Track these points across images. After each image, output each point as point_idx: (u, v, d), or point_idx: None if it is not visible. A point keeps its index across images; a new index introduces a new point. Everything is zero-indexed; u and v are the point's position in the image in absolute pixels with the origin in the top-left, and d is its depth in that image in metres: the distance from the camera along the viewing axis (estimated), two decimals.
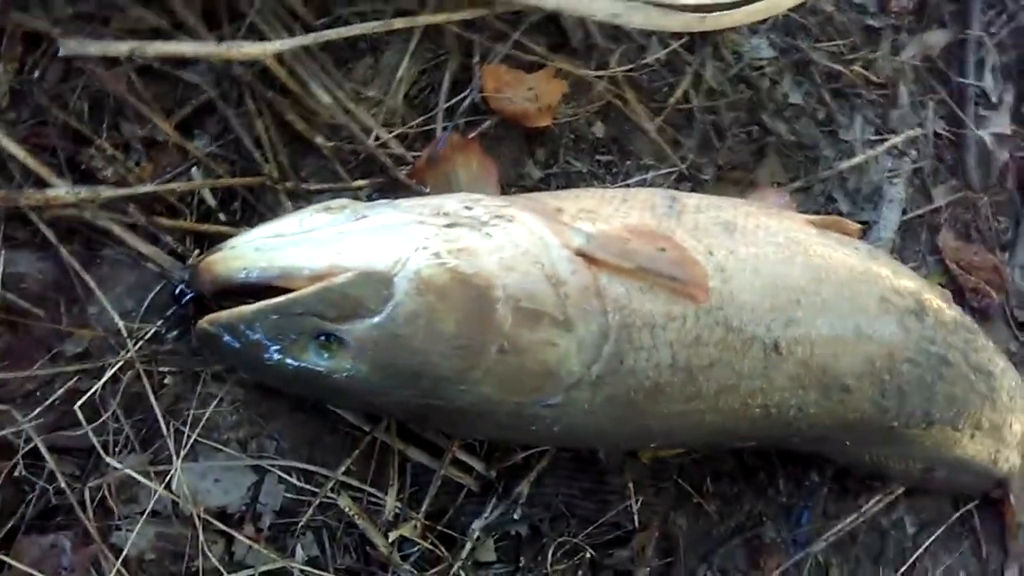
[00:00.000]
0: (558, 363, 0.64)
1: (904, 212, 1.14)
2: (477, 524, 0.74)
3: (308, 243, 0.59)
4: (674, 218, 0.77)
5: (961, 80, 1.21)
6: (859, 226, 0.93)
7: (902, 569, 1.05)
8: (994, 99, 1.25)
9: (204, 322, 0.58)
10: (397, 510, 0.70)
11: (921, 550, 1.07)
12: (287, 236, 0.60)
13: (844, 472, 1.02)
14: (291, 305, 0.56)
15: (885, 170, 1.12)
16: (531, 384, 0.64)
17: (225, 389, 0.65)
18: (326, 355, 0.58)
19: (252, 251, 0.58)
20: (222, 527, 0.64)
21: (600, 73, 0.82)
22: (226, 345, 0.58)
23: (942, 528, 1.09)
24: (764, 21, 1.02)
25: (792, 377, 0.77)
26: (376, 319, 0.58)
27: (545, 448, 0.79)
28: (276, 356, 0.58)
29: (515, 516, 0.76)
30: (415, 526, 0.70)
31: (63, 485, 0.60)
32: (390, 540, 0.68)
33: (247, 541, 0.65)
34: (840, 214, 1.07)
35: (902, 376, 0.85)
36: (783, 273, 0.78)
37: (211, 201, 0.66)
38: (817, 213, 1.05)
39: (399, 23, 0.69)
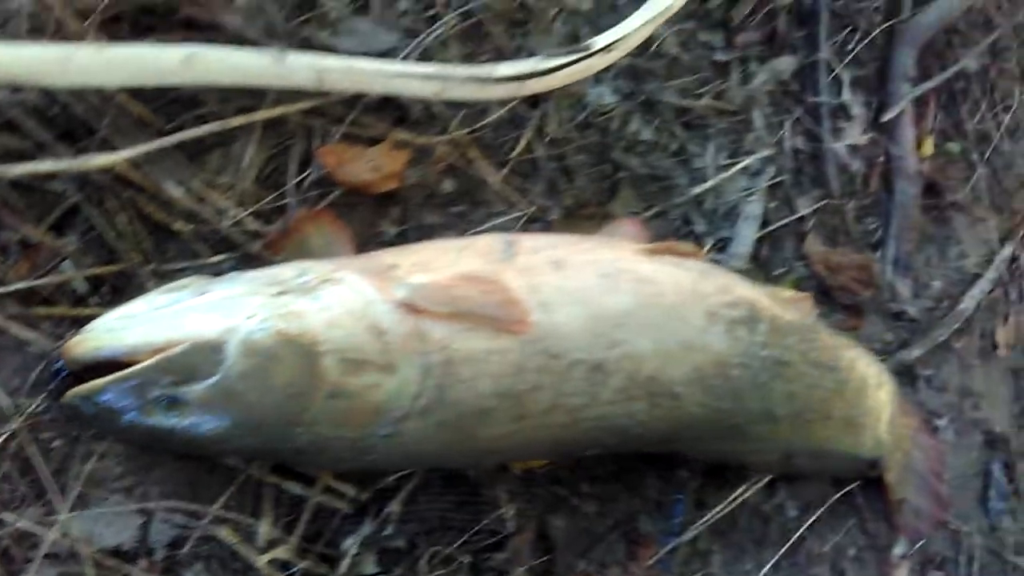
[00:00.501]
0: (385, 401, 0.74)
1: (766, 225, 1.23)
2: (349, 542, 0.84)
3: (152, 321, 0.69)
4: (507, 261, 0.87)
5: (814, 99, 1.30)
6: (695, 248, 1.03)
7: (782, 550, 1.13)
8: (852, 112, 1.34)
9: (67, 395, 0.69)
10: (274, 536, 0.80)
11: (803, 531, 1.15)
12: (136, 316, 0.70)
13: (716, 466, 1.10)
14: (133, 376, 0.66)
15: (741, 190, 1.21)
16: (362, 421, 0.74)
17: (106, 447, 0.76)
18: (171, 415, 0.68)
19: (105, 332, 0.69)
20: (118, 563, 0.74)
21: (439, 139, 0.93)
22: (85, 413, 0.68)
23: (822, 509, 1.17)
24: (607, 69, 1.12)
25: (618, 391, 0.86)
26: (211, 381, 0.68)
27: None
28: (129, 420, 0.68)
29: (388, 531, 0.86)
30: (291, 548, 0.80)
31: None
32: (266, 561, 0.78)
33: (142, 573, 0.75)
34: (697, 235, 1.16)
35: (734, 380, 0.94)
36: (607, 301, 0.87)
37: (82, 289, 0.77)
38: (675, 236, 1.16)
39: (237, 121, 0.79)
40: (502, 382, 0.79)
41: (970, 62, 1.50)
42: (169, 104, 0.80)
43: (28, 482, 0.73)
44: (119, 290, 0.78)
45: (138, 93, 0.77)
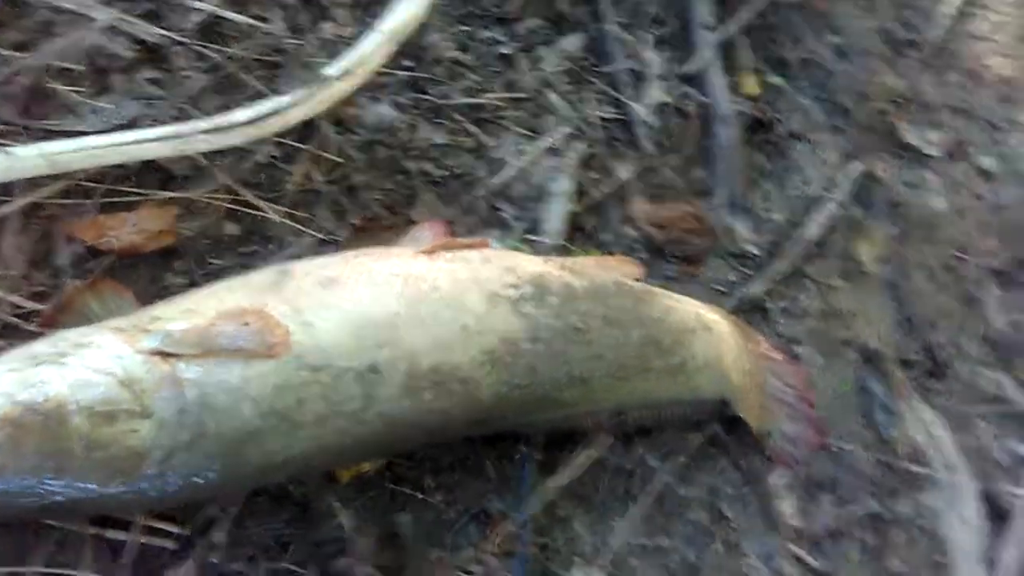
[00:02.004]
0: (144, 444, 0.79)
1: (586, 197, 1.26)
2: (171, 574, 0.89)
3: None
4: (274, 290, 0.92)
5: (611, 67, 1.33)
6: (477, 239, 1.07)
7: (646, 502, 1.14)
8: (653, 71, 1.36)
9: None
10: None
11: (669, 480, 1.16)
12: None
13: (560, 435, 1.13)
14: None
15: (550, 170, 1.24)
16: (125, 466, 0.79)
17: None
18: None
19: None
20: None
21: (201, 192, 0.98)
22: None
23: (685, 456, 1.18)
24: (385, 87, 1.17)
25: (399, 387, 0.90)
26: None
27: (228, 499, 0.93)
28: None
29: (215, 560, 0.91)
30: None
31: None
32: None
33: None
34: (507, 222, 1.19)
35: (527, 355, 0.97)
36: (375, 307, 0.91)
37: None
38: (485, 227, 1.19)
39: None
40: (264, 403, 0.83)
41: None
42: None
43: None
44: None
45: None
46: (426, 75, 1.19)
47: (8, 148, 0.84)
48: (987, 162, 1.68)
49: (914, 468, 1.30)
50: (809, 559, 1.19)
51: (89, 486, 0.78)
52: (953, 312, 1.49)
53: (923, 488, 1.28)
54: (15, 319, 0.89)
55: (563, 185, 1.22)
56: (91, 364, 0.80)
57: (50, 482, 0.77)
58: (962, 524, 1.18)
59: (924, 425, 1.29)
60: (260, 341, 0.85)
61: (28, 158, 0.84)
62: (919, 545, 1.25)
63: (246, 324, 0.87)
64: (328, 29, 1.11)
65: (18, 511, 0.80)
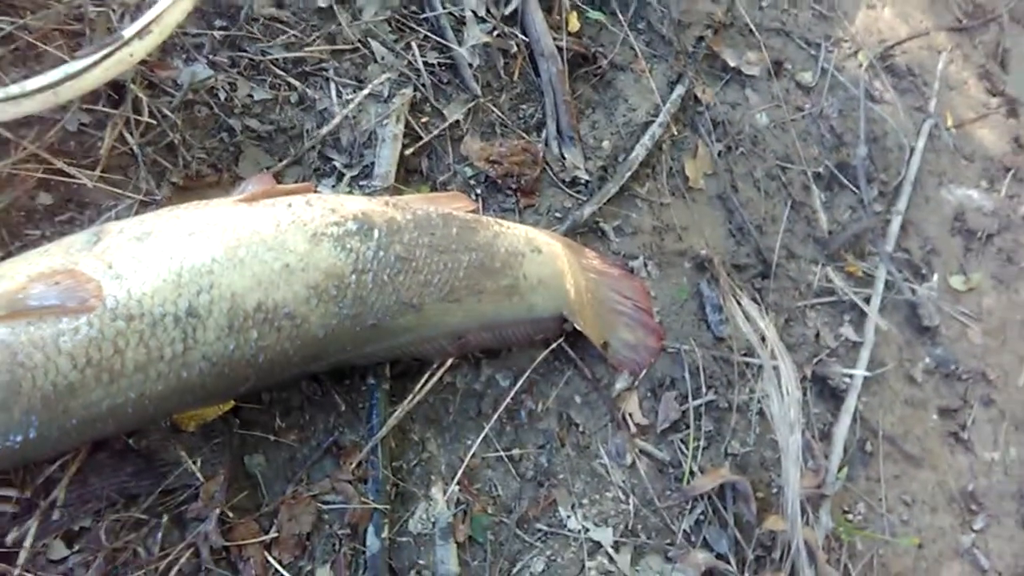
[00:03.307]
0: None
1: (418, 140, 1.26)
2: (12, 536, 0.88)
3: None
4: (87, 250, 0.90)
5: (432, 13, 1.33)
6: (302, 184, 1.06)
7: (496, 415, 1.17)
8: (473, 13, 1.36)
9: None
10: None
11: (517, 394, 1.19)
12: None
13: (408, 365, 1.14)
14: None
15: (375, 117, 1.24)
16: None
17: None
18: None
19: None
20: None
21: (6, 162, 0.95)
22: None
23: (530, 371, 1.21)
24: (200, 47, 1.14)
25: (222, 327, 0.90)
26: None
27: (69, 455, 0.92)
28: None
29: (56, 517, 0.90)
30: None
31: None
32: None
33: None
34: (337, 170, 1.19)
35: (354, 286, 0.98)
36: (192, 254, 0.91)
37: None
38: (317, 176, 1.19)
39: None
40: (79, 356, 0.82)
41: None
42: None
43: None
44: None
45: None
46: (242, 33, 1.17)
47: None
48: (806, 77, 1.75)
49: (746, 360, 1.36)
50: (656, 451, 1.25)
51: None
52: (780, 217, 1.55)
53: (754, 377, 1.35)
54: None
55: (392, 130, 1.22)
56: None
57: None
58: (785, 403, 1.24)
59: (750, 320, 1.35)
60: (71, 297, 0.83)
61: None
62: (754, 428, 1.32)
63: (56, 283, 0.85)
64: None
65: None
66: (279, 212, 0.99)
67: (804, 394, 1.35)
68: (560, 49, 1.39)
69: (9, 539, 0.87)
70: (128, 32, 0.96)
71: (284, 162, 1.15)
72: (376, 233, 1.02)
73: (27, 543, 0.88)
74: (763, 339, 1.33)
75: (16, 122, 0.95)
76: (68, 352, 0.82)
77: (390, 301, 1.02)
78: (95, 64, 0.95)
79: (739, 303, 1.36)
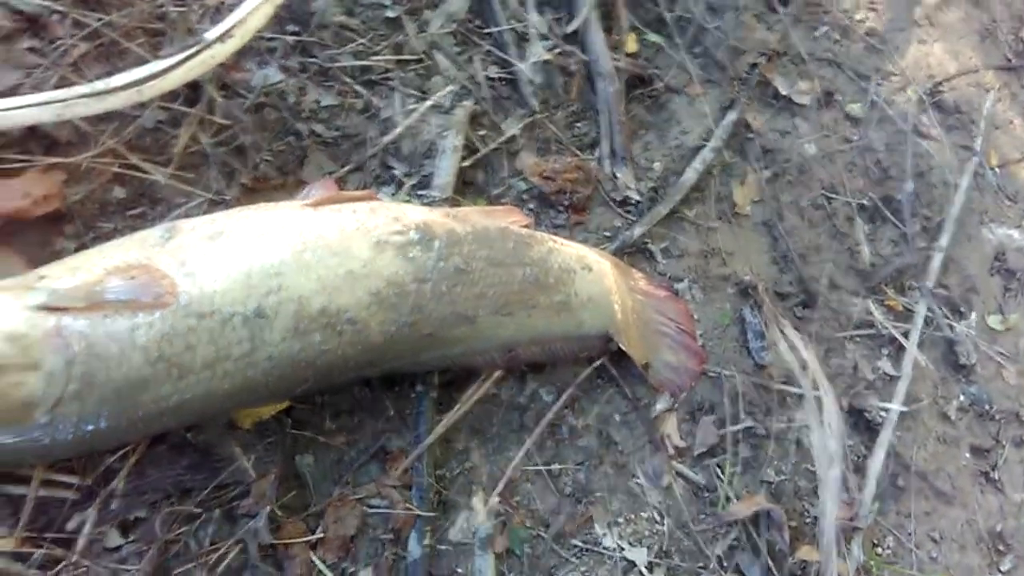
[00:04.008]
0: (33, 395, 0.79)
1: (475, 153, 1.27)
2: (73, 522, 0.89)
3: None
4: (160, 245, 0.91)
5: (496, 28, 1.34)
6: (365, 192, 1.08)
7: (538, 430, 1.18)
8: (536, 31, 1.38)
9: None
10: None
11: (560, 409, 1.20)
12: None
13: (456, 376, 1.15)
14: None
15: (438, 127, 1.25)
16: (15, 417, 0.79)
17: None
18: None
19: None
20: None
21: (87, 155, 0.97)
22: None
23: (574, 387, 1.22)
24: (273, 51, 1.16)
25: (287, 329, 0.91)
26: None
27: (130, 447, 0.94)
28: None
29: (114, 507, 0.92)
30: (13, 539, 0.85)
31: None
32: None
33: None
34: (397, 178, 1.21)
35: (414, 295, 0.99)
36: (261, 256, 0.92)
37: None
38: (376, 184, 1.20)
39: None
40: (152, 350, 0.84)
41: None
42: None
43: None
44: None
45: None
46: (313, 39, 1.19)
47: None
48: (855, 109, 1.75)
49: (785, 388, 1.36)
50: (692, 474, 1.25)
51: None
52: (824, 247, 1.55)
53: (793, 406, 1.35)
54: None
55: (452, 141, 1.23)
56: None
57: None
58: (826, 434, 1.24)
59: (793, 349, 1.35)
60: (146, 292, 0.85)
61: None
62: (791, 456, 1.32)
63: (132, 278, 0.86)
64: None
65: None
66: (344, 218, 1.00)
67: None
68: (618, 69, 1.40)
69: (70, 525, 0.89)
70: (211, 35, 0.98)
71: (347, 168, 1.16)
72: (436, 244, 1.03)
73: (85, 530, 0.90)
74: (805, 369, 1.33)
75: (97, 117, 0.97)
76: (142, 346, 0.84)
77: (446, 312, 1.03)
78: (178, 64, 0.97)
79: (783, 332, 1.36)
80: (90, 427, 0.83)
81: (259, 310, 0.90)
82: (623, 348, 1.22)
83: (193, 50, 0.96)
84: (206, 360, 0.87)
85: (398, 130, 1.21)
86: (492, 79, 1.32)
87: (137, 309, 0.84)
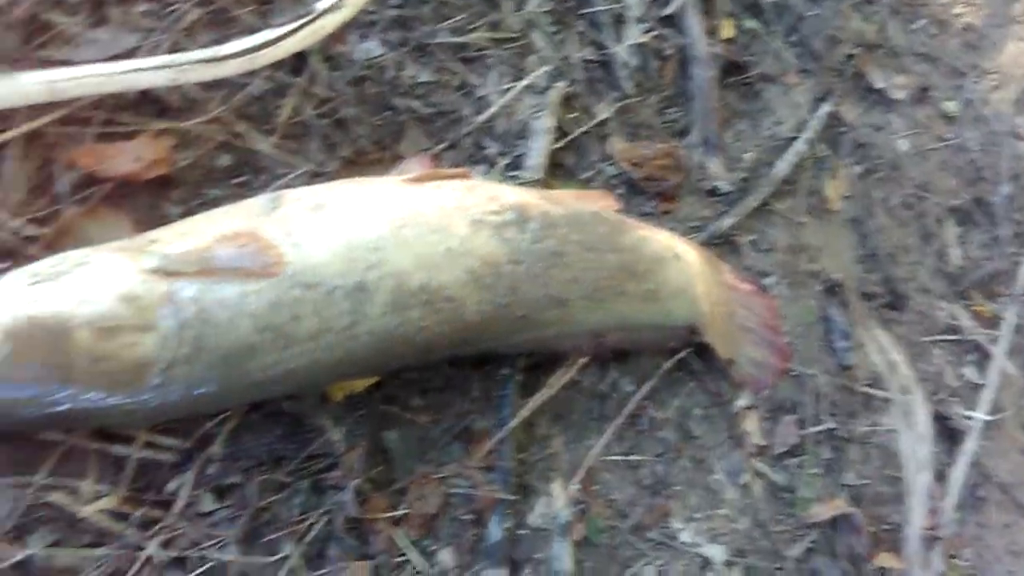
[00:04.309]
0: (146, 356, 0.80)
1: (566, 135, 1.26)
2: (172, 484, 0.91)
3: None
4: (266, 215, 0.92)
5: (592, 9, 1.32)
6: (460, 170, 1.07)
7: (619, 420, 1.17)
8: (631, 14, 1.35)
9: None
10: (99, 492, 0.88)
11: (641, 400, 1.19)
12: None
13: (540, 360, 1.15)
14: None
15: (531, 108, 1.24)
16: (130, 377, 0.80)
17: None
18: None
19: None
20: None
21: (196, 121, 0.98)
22: None
23: (656, 379, 1.21)
24: (374, 24, 1.16)
25: (387, 304, 0.91)
26: None
27: (227, 413, 0.95)
28: None
29: (211, 471, 0.93)
30: (116, 497, 0.87)
31: None
32: (97, 510, 0.86)
33: None
34: (490, 158, 1.20)
35: (509, 276, 0.99)
36: (362, 230, 0.92)
37: None
38: (469, 162, 1.20)
39: None
40: (260, 319, 0.85)
41: None
42: None
43: None
44: None
45: None
46: (413, 14, 1.18)
47: (11, 74, 0.83)
48: (950, 106, 1.69)
49: (871, 391, 1.34)
50: (771, 474, 1.23)
51: (94, 396, 0.79)
52: (913, 247, 1.51)
53: (879, 410, 1.32)
54: (16, 243, 0.90)
55: (545, 123, 1.22)
56: (93, 281, 0.80)
57: (56, 392, 0.78)
58: (915, 440, 1.21)
59: (881, 351, 1.32)
60: (256, 260, 0.86)
61: (30, 84, 0.84)
62: (873, 461, 1.30)
63: (241, 245, 0.87)
64: None
65: (26, 421, 0.81)
66: (443, 196, 1.00)
67: None
68: (713, 55, 1.37)
69: (170, 487, 0.91)
70: (321, 5, 0.99)
71: (442, 145, 1.16)
72: (531, 225, 1.02)
73: (183, 493, 0.92)
74: (893, 371, 1.30)
75: (206, 84, 0.98)
76: (250, 313, 0.85)
77: (539, 294, 1.03)
78: (290, 34, 0.97)
79: (871, 333, 1.33)
80: (198, 391, 0.84)
81: (360, 284, 0.90)
82: (708, 341, 1.20)
83: (305, 20, 0.97)
84: (310, 331, 0.88)
85: (493, 109, 1.20)
86: (586, 60, 1.30)
87: (246, 277, 0.85)
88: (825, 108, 1.47)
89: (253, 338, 0.85)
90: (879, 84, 1.59)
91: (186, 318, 0.82)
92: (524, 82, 1.22)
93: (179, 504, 0.91)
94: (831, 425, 1.29)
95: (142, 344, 0.80)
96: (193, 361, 0.82)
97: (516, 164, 1.20)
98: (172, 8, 1.00)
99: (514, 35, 1.25)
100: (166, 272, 0.83)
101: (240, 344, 0.84)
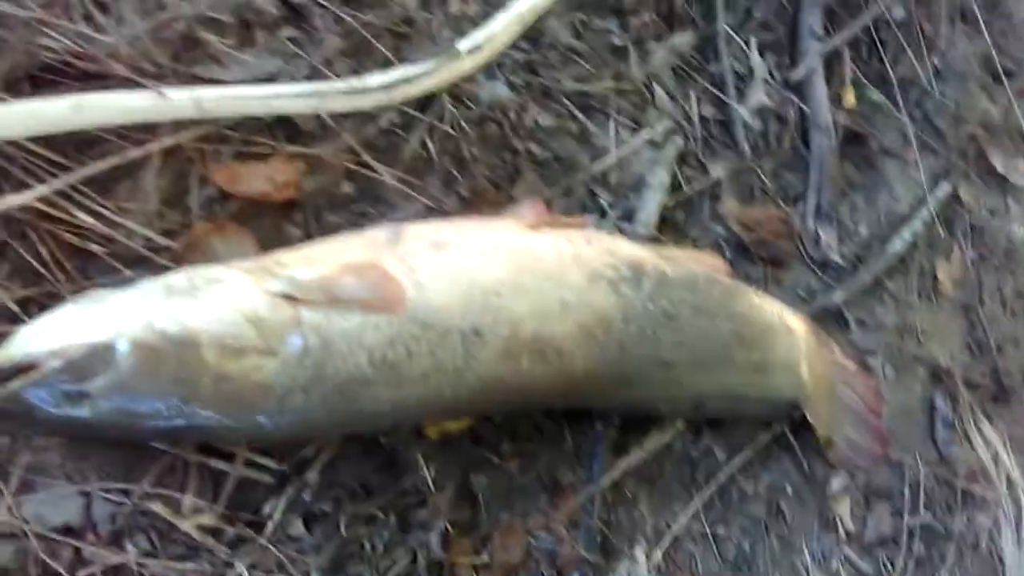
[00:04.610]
0: (268, 380, 0.81)
1: (679, 191, 1.25)
2: (268, 507, 0.92)
3: (57, 330, 0.78)
4: (390, 248, 0.93)
5: (718, 67, 1.32)
6: (580, 219, 1.07)
7: (710, 491, 1.15)
8: (757, 75, 1.34)
9: None
10: (199, 506, 0.89)
11: (732, 472, 1.17)
12: (46, 327, 0.79)
13: (636, 418, 1.13)
14: (38, 377, 0.75)
15: (647, 162, 1.24)
16: (250, 400, 0.81)
17: (47, 441, 0.87)
18: (78, 406, 0.77)
19: (18, 343, 0.77)
20: (66, 539, 0.85)
21: (328, 149, 1.00)
22: (10, 412, 0.77)
23: (750, 451, 1.18)
24: (501, 65, 1.17)
25: (499, 351, 0.91)
26: (106, 376, 0.76)
27: (327, 441, 0.96)
28: (45, 413, 0.77)
29: (306, 497, 0.94)
30: (214, 514, 0.88)
31: None
32: (195, 526, 0.87)
33: (88, 547, 0.85)
34: (603, 209, 1.19)
35: (620, 333, 0.98)
36: (482, 273, 0.92)
37: (16, 309, 0.88)
38: (581, 212, 1.19)
39: (135, 153, 0.89)
40: (377, 354, 0.85)
41: (894, 9, 1.49)
42: (77, 145, 0.90)
43: None
44: (46, 308, 0.88)
45: (46, 139, 0.87)
46: (541, 58, 1.19)
47: (162, 90, 0.86)
48: None
49: (971, 487, 1.29)
50: (861, 563, 1.19)
51: (210, 416, 0.80)
52: (1022, 340, 1.46)
53: (979, 506, 1.27)
54: (147, 252, 0.92)
55: (660, 177, 1.21)
56: (223, 301, 0.81)
57: (175, 408, 0.79)
58: (1020, 543, 1.16)
59: (986, 444, 1.27)
60: (378, 295, 0.87)
61: (180, 101, 0.86)
62: (970, 561, 1.24)
63: (365, 278, 0.88)
64: (455, 4, 1.12)
65: (142, 432, 0.82)
66: (562, 245, 0.99)
67: None
68: (835, 124, 1.36)
69: (266, 509, 0.91)
70: (463, 46, 1.00)
71: (556, 191, 1.16)
72: (647, 283, 1.01)
73: (276, 516, 0.92)
74: (998, 468, 1.25)
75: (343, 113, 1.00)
76: (368, 347, 0.85)
77: (648, 355, 1.01)
78: (430, 72, 0.99)
79: (978, 427, 1.28)
80: (310, 419, 0.84)
81: (476, 328, 0.90)
82: (808, 418, 1.17)
83: (445, 60, 0.98)
84: (423, 370, 0.88)
85: (609, 160, 1.20)
86: (705, 118, 1.30)
87: (369, 310, 0.86)
88: (944, 188, 1.43)
89: (368, 372, 0.85)
90: (1000, 168, 1.54)
91: (308, 346, 0.83)
92: (643, 135, 1.22)
93: (270, 526, 0.92)
94: (927, 519, 1.24)
95: (264, 368, 0.81)
96: (310, 389, 0.83)
97: (627, 216, 1.19)
98: (315, 35, 1.02)
99: (637, 87, 1.25)
100: (293, 297, 0.84)
101: (355, 377, 0.84)
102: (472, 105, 1.12)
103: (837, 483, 1.21)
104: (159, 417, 0.79)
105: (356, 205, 1.04)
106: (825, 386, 1.19)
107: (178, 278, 0.84)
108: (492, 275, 0.93)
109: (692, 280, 1.05)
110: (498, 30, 1.01)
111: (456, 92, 1.11)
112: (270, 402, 0.82)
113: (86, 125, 0.83)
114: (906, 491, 1.24)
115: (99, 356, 0.77)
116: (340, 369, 0.84)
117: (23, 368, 0.77)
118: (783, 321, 1.14)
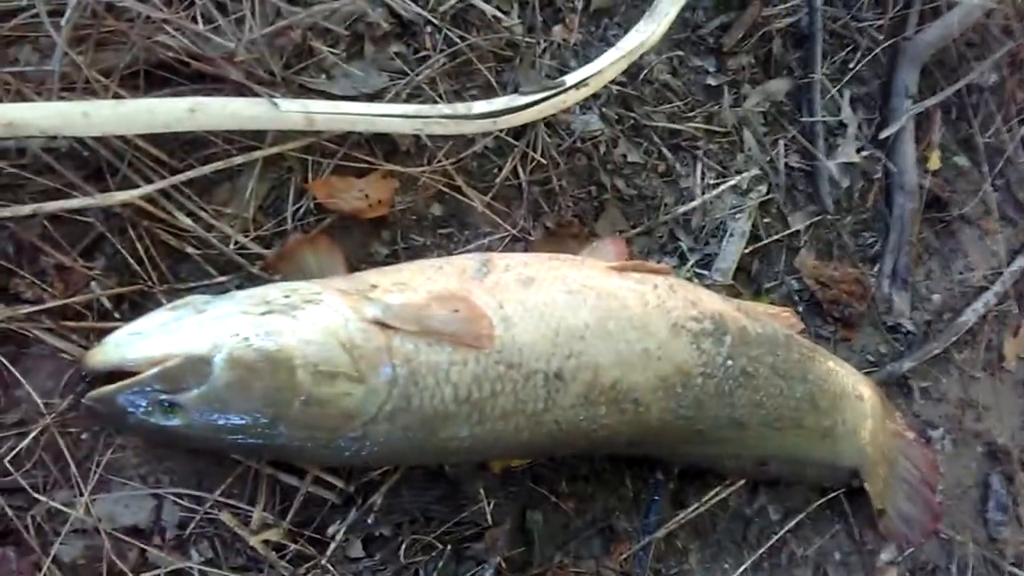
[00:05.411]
0: (355, 407, 0.83)
1: (758, 240, 1.26)
2: (334, 528, 0.94)
3: (154, 337, 0.80)
4: (479, 279, 0.95)
5: (809, 118, 1.33)
6: (665, 266, 1.08)
7: (761, 551, 1.16)
8: (849, 130, 1.35)
9: (85, 398, 0.80)
10: (267, 520, 0.91)
11: (784, 534, 1.18)
12: (141, 332, 0.81)
13: (695, 470, 1.15)
14: (135, 384, 0.77)
15: (729, 207, 1.25)
16: (335, 424, 0.83)
17: (125, 440, 0.88)
18: (169, 416, 0.79)
19: (114, 347, 0.79)
20: (134, 540, 0.87)
21: (423, 169, 1.01)
22: (101, 413, 0.79)
23: (803, 514, 1.20)
24: (596, 97, 1.18)
25: (579, 396, 0.92)
26: (201, 389, 0.78)
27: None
28: (136, 419, 0.79)
29: (371, 520, 0.96)
30: (282, 531, 0.90)
31: (9, 514, 0.84)
32: (260, 542, 0.89)
33: (154, 550, 0.87)
34: (682, 252, 1.21)
35: (697, 389, 0.99)
36: (569, 315, 0.93)
37: (108, 306, 0.89)
38: (661, 253, 1.21)
39: (239, 159, 0.90)
40: (462, 390, 0.86)
41: (987, 74, 1.49)
42: (182, 145, 0.92)
43: (58, 469, 0.86)
44: (138, 306, 0.90)
45: (154, 137, 0.89)
46: (635, 93, 1.20)
47: (276, 100, 0.87)
48: None
49: (1018, 572, 1.30)
50: None
51: (295, 436, 0.82)
52: None
53: None
54: (239, 258, 0.94)
55: (743, 226, 1.22)
56: (320, 322, 0.83)
57: (264, 427, 0.81)
58: None
59: None
60: (468, 330, 0.88)
61: (291, 113, 0.88)
62: None
63: (456, 311, 0.90)
64: (558, 33, 1.13)
65: (227, 446, 0.85)
66: (647, 292, 1.00)
67: None
68: (920, 187, 1.37)
69: (330, 530, 0.93)
70: (570, 80, 1.01)
71: (636, 229, 1.17)
72: (728, 339, 1.02)
73: (338, 536, 0.94)
74: None
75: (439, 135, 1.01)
76: (454, 383, 0.87)
77: (723, 412, 1.02)
78: (535, 103, 1.00)
79: None
80: (390, 448, 0.86)
81: (560, 372, 0.91)
82: (866, 487, 1.19)
83: (551, 92, 0.99)
84: (504, 410, 0.89)
85: (694, 203, 1.21)
86: (791, 167, 1.31)
87: (459, 345, 0.87)
88: (1021, 262, 1.44)
89: (451, 407, 0.87)
90: None
91: (397, 376, 0.84)
92: (730, 182, 1.23)
93: (332, 547, 0.94)
94: None
95: (353, 395, 0.83)
96: (394, 420, 0.85)
97: (705, 262, 1.20)
98: (422, 54, 1.04)
99: (727, 130, 1.26)
100: (386, 324, 0.86)
101: (439, 411, 0.86)
102: (565, 136, 1.13)
103: (886, 555, 1.23)
104: (246, 433, 0.81)
105: (443, 227, 1.06)
106: (886, 456, 1.21)
107: (276, 293, 0.86)
108: (577, 318, 0.94)
109: (773, 340, 1.07)
110: (606, 65, 1.02)
111: (551, 120, 1.12)
112: (353, 429, 0.84)
113: (199, 128, 0.85)
114: (953, 568, 1.25)
115: (196, 368, 0.78)
116: (425, 402, 0.86)
117: (118, 372, 0.79)
118: (856, 388, 1.15)
